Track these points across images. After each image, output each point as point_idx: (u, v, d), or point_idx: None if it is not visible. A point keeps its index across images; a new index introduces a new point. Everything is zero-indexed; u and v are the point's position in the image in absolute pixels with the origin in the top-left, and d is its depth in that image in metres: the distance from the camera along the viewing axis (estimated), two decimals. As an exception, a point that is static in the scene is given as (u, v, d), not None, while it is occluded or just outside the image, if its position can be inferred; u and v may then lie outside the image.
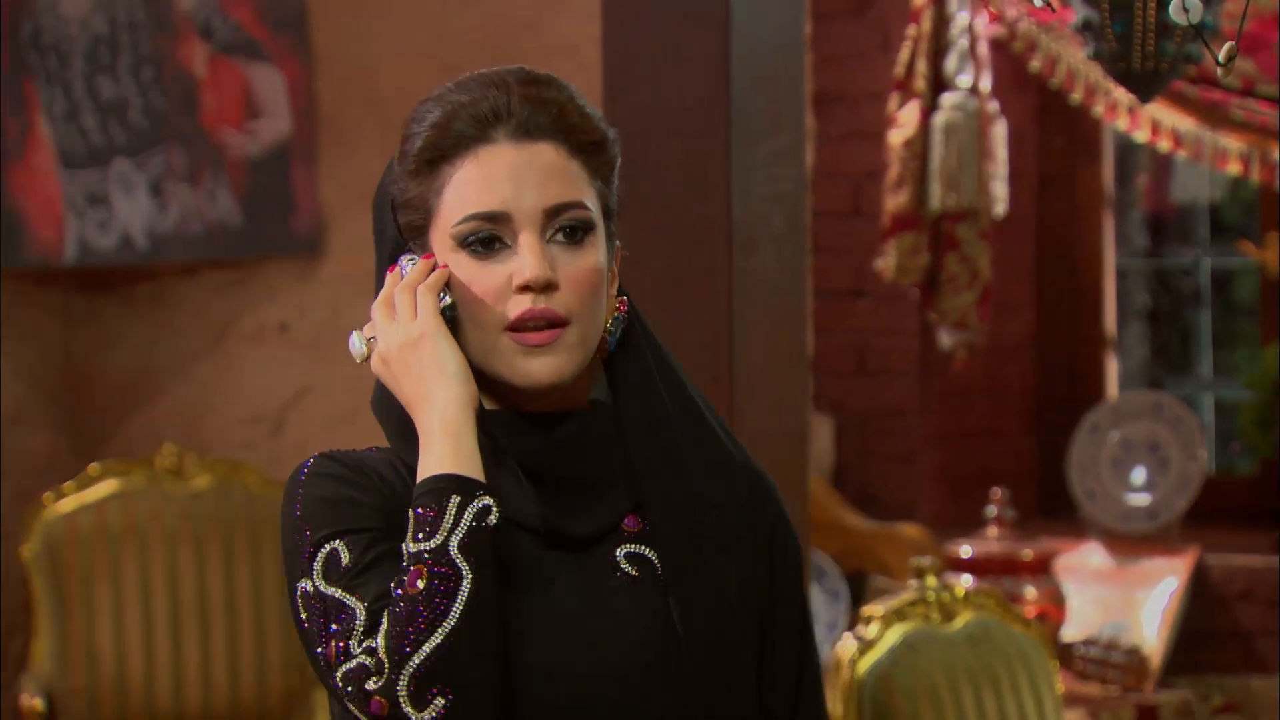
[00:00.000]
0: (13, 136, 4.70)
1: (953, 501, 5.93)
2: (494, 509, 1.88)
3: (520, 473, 1.96)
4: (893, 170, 5.33)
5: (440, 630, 1.83)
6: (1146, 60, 3.07)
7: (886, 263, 5.36)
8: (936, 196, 5.27)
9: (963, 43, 5.27)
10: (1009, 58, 5.31)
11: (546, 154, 1.95)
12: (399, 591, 1.85)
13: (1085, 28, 3.13)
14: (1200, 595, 5.40)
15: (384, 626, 1.84)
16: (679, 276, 3.66)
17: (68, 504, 4.57)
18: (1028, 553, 5.15)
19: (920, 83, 5.29)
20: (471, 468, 1.89)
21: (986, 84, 5.31)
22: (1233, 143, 4.74)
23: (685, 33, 3.67)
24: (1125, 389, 6.10)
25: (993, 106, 5.33)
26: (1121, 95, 4.70)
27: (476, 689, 1.84)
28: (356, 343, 1.99)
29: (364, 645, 1.85)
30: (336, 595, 1.88)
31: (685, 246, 3.67)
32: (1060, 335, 6.09)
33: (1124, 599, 5.31)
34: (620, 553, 1.97)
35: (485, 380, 1.96)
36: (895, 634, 3.45)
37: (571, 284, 1.94)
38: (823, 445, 5.82)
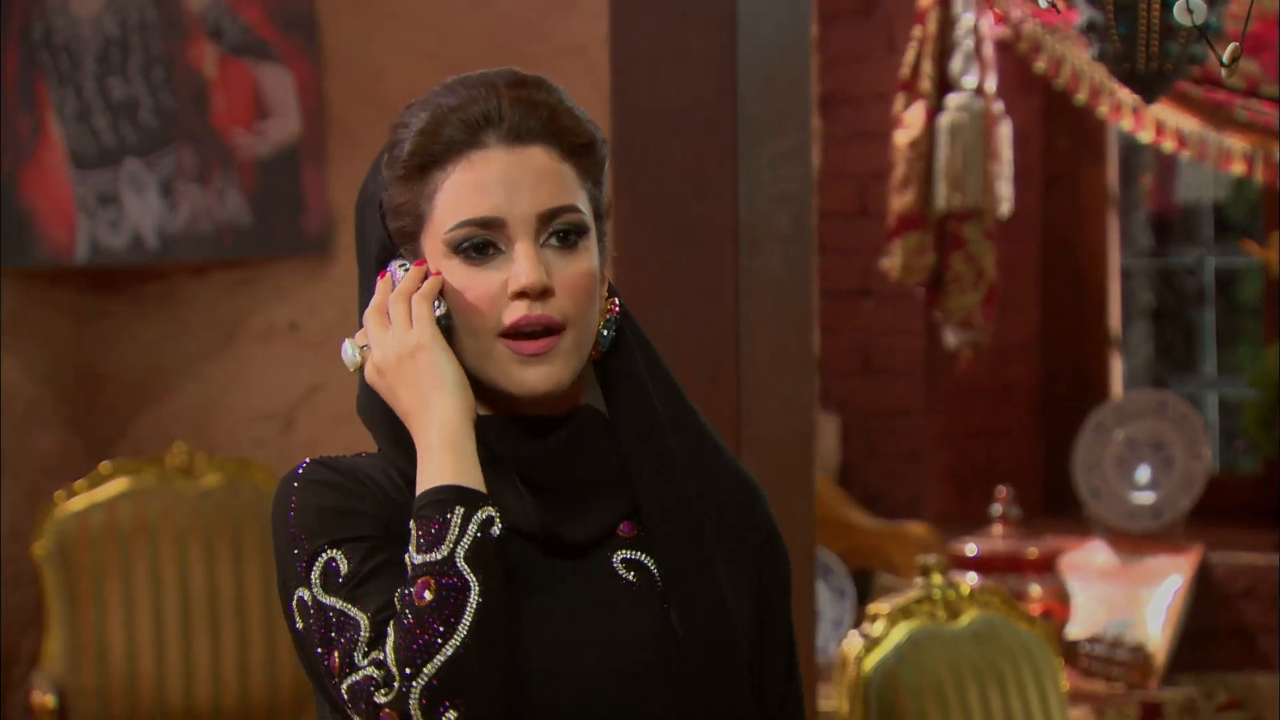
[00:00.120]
0: (24, 136, 4.72)
1: (958, 500, 5.94)
2: (497, 520, 1.86)
3: (517, 480, 1.94)
4: (898, 170, 5.34)
5: (451, 643, 1.81)
6: (1151, 61, 3.09)
7: (892, 262, 5.37)
8: (942, 196, 5.28)
9: (968, 44, 5.28)
10: (1014, 59, 5.32)
11: (538, 158, 1.92)
12: (406, 603, 1.83)
13: (1090, 29, 3.15)
14: (1204, 593, 5.40)
15: (391, 639, 1.82)
16: (685, 276, 3.68)
17: (79, 502, 4.57)
18: (1033, 551, 5.14)
19: (926, 83, 5.30)
20: (473, 479, 1.87)
21: (992, 85, 5.33)
22: (1236, 143, 4.75)
23: (692, 34, 3.69)
24: (1130, 388, 6.11)
25: (998, 107, 5.34)
26: (1126, 96, 4.71)
27: (486, 699, 1.83)
28: (350, 351, 1.97)
29: (370, 657, 1.83)
30: (338, 606, 1.86)
31: (692, 246, 3.69)
32: (1065, 334, 6.10)
33: (1128, 597, 5.32)
34: (617, 558, 1.96)
35: (479, 386, 1.94)
36: (901, 632, 3.46)
37: (566, 288, 1.92)
38: (828, 444, 5.83)
